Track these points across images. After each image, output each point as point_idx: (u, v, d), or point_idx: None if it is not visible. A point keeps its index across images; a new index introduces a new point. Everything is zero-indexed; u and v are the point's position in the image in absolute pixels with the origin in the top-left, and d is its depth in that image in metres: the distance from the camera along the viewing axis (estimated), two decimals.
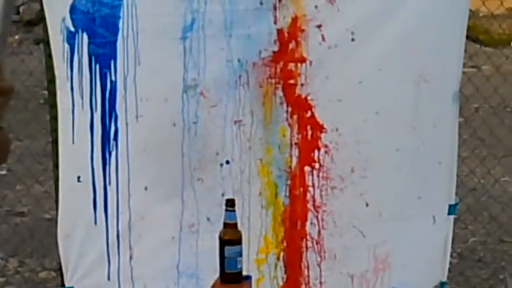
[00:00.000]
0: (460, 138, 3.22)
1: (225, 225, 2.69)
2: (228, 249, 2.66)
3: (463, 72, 3.15)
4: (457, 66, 3.07)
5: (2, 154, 1.89)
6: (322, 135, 2.97)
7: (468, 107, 5.47)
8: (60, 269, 3.03)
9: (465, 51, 3.08)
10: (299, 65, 2.93)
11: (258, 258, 3.02)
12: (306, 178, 3.00)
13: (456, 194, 3.20)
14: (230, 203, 2.69)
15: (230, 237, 2.67)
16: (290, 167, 3.00)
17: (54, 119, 2.98)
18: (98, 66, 2.87)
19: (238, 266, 2.66)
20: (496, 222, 5.07)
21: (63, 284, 3.03)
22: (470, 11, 3.11)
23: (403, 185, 3.04)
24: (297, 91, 2.95)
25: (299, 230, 3.03)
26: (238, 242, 2.67)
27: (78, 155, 2.93)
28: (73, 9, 2.82)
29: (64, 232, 2.95)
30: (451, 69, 3.06)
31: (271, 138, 2.98)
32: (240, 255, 2.67)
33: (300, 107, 2.96)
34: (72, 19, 2.83)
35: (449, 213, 3.17)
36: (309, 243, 3.03)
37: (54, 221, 3.02)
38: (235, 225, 2.69)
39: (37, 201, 5.37)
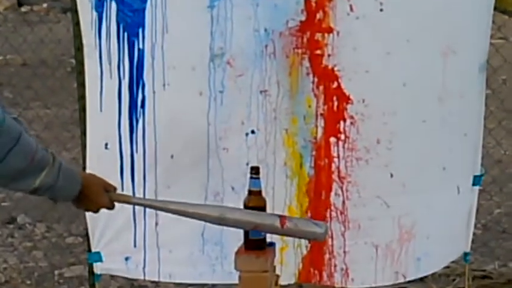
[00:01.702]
0: (487, 109, 3.21)
1: (250, 192, 2.70)
2: None
3: (491, 44, 3.13)
4: (484, 37, 3.06)
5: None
6: (348, 106, 2.97)
7: (496, 78, 5.43)
8: (87, 234, 3.07)
9: (493, 22, 3.06)
10: (326, 35, 2.93)
11: None
12: (331, 149, 3.00)
13: (482, 165, 3.20)
14: (255, 171, 2.70)
15: (255, 204, 2.68)
16: (315, 138, 3.00)
17: (82, 86, 3.01)
18: (125, 34, 2.88)
19: (262, 233, 2.68)
20: None
21: (89, 249, 3.07)
22: None
23: (428, 156, 3.04)
24: (324, 62, 2.95)
25: (323, 200, 3.04)
26: (262, 209, 2.69)
27: (105, 123, 2.95)
28: None
29: None
30: (479, 40, 3.05)
31: (297, 109, 2.98)
32: None
33: (326, 77, 2.96)
34: None
35: (474, 184, 3.17)
36: (333, 214, 3.04)
37: None
38: (260, 192, 2.70)
39: None
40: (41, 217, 4.79)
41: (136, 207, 2.97)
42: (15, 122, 1.98)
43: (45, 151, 2.02)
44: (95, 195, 2.20)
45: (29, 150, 1.95)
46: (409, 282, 3.34)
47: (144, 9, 2.86)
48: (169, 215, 2.98)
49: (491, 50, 3.19)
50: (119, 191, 2.95)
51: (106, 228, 3.01)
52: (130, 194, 2.96)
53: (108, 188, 2.28)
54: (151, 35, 2.88)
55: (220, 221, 2.40)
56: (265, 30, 2.91)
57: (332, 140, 3.00)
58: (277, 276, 2.89)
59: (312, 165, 3.02)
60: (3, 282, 4.12)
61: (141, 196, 2.94)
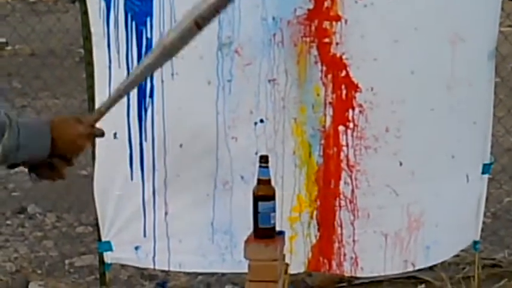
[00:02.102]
0: (497, 97, 3.20)
1: (259, 181, 2.71)
2: (261, 205, 2.69)
3: (500, 31, 3.12)
4: (493, 24, 3.04)
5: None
6: (357, 94, 2.96)
7: (505, 66, 5.41)
8: (97, 224, 3.08)
9: (502, 9, 3.05)
10: (334, 23, 2.92)
11: (291, 217, 3.05)
12: (340, 137, 3.00)
13: (491, 154, 3.20)
14: (264, 160, 2.71)
15: (264, 193, 2.70)
16: (324, 127, 3.00)
17: (90, 76, 3.01)
18: (134, 23, 2.88)
19: (272, 222, 2.68)
20: None
21: (100, 239, 3.08)
22: None
23: (436, 144, 3.04)
24: (332, 50, 2.94)
25: (332, 189, 3.04)
26: (272, 197, 2.70)
27: (114, 112, 2.94)
28: None
29: (101, 188, 3.00)
30: (488, 28, 3.04)
31: (305, 98, 2.98)
32: (274, 210, 2.69)
33: (334, 66, 2.95)
34: None
35: (483, 173, 3.17)
36: (342, 202, 3.04)
37: (90, 177, 3.06)
38: (269, 181, 2.71)
39: None
40: (51, 207, 4.80)
41: (146, 197, 2.98)
42: None
43: None
44: (70, 129, 2.02)
45: None
46: (418, 270, 3.35)
47: None
48: (179, 205, 3.01)
49: (500, 37, 3.17)
50: (128, 180, 2.99)
51: (116, 218, 3.02)
52: (140, 183, 2.98)
53: (83, 119, 2.07)
54: (159, 24, 2.88)
55: (169, 52, 2.06)
56: (273, 18, 2.90)
57: (341, 128, 3.00)
58: (287, 265, 2.90)
59: (321, 154, 3.02)
60: (14, 272, 4.14)
61: (150, 188, 2.95)
